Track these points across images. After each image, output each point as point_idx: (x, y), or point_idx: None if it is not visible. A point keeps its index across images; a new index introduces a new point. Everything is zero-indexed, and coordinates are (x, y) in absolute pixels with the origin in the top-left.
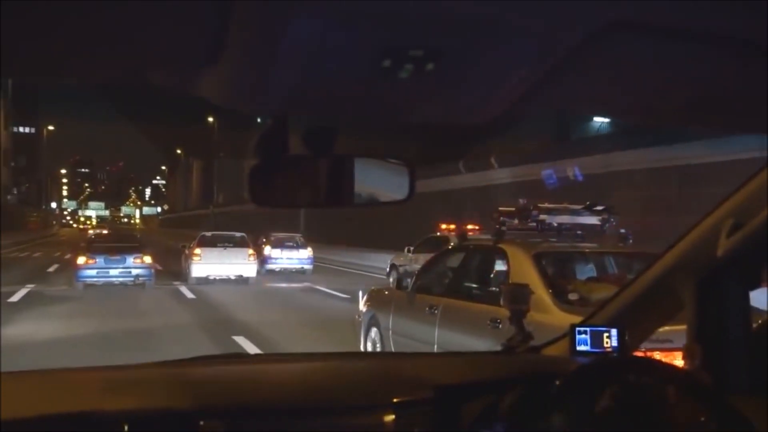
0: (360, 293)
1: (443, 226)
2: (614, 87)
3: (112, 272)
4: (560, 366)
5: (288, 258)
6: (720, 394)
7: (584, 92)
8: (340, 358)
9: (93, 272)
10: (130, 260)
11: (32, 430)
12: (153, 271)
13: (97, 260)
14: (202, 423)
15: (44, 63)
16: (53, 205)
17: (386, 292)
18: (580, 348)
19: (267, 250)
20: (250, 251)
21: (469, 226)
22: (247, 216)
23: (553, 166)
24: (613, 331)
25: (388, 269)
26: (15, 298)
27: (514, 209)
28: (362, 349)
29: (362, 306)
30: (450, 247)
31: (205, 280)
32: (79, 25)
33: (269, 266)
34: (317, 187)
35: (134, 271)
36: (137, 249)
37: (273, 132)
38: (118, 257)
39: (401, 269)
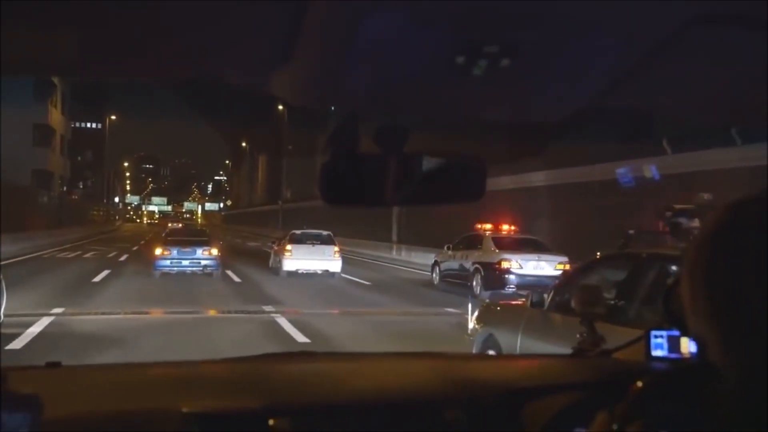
0: (469, 307)
1: (478, 225)
2: (696, 83)
3: (184, 262)
4: (633, 371)
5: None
6: None
7: (664, 89)
8: (411, 358)
9: (168, 262)
10: (200, 252)
11: (101, 428)
12: (219, 262)
13: (172, 252)
14: (271, 422)
15: (121, 63)
16: (116, 199)
17: (510, 309)
18: (656, 353)
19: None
20: (336, 248)
21: (504, 227)
22: (315, 212)
23: (628, 165)
24: None
25: (431, 266)
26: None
27: (692, 206)
28: None
29: (473, 323)
30: (599, 256)
31: (294, 274)
32: (156, 25)
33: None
34: (387, 185)
35: (203, 262)
36: (206, 243)
37: (344, 130)
38: (189, 249)
39: (442, 265)
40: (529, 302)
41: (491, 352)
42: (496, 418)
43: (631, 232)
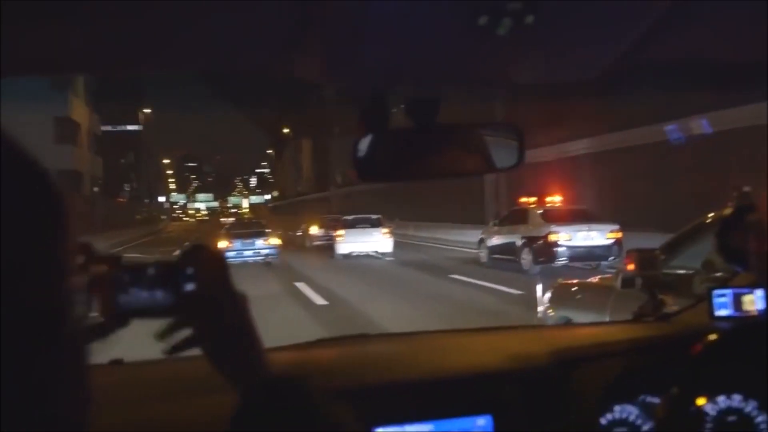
0: (538, 288)
1: (523, 199)
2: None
3: (246, 253)
4: (695, 333)
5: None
6: None
7: (692, 42)
8: (465, 334)
9: (232, 254)
10: (260, 242)
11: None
12: (278, 250)
13: (235, 244)
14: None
15: (131, 56)
16: (161, 199)
17: (592, 289)
18: (720, 313)
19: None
20: (385, 230)
21: (548, 198)
22: (371, 196)
23: (677, 123)
24: (759, 292)
25: (478, 243)
26: None
27: None
28: None
29: (544, 304)
30: (710, 218)
31: (348, 256)
32: (165, 17)
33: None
34: (422, 158)
35: (263, 251)
36: (264, 233)
37: (374, 106)
38: (250, 240)
39: (489, 242)
40: (618, 282)
41: None
42: (556, 385)
43: (747, 189)
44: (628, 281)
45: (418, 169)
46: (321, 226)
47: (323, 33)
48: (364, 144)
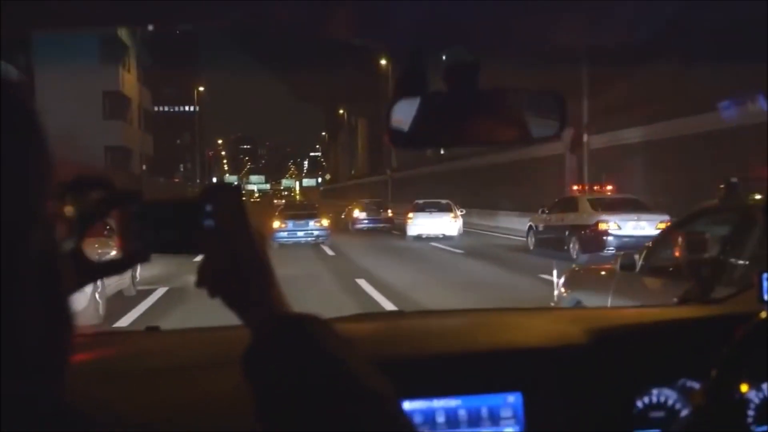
0: (554, 273)
1: (575, 187)
2: None
3: (299, 233)
4: (741, 316)
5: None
6: None
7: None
8: (498, 313)
9: (285, 234)
10: (312, 223)
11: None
12: (329, 231)
13: (288, 225)
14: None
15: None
16: (214, 180)
17: (599, 273)
18: None
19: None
20: (452, 214)
21: (596, 187)
22: (428, 180)
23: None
24: None
25: (526, 230)
26: None
27: None
28: None
29: (560, 288)
30: (701, 210)
31: (418, 238)
32: None
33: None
34: (459, 125)
35: (315, 233)
36: (316, 215)
37: (412, 69)
38: (302, 222)
39: (537, 230)
40: (618, 265)
41: None
42: (591, 365)
43: (734, 180)
44: (626, 265)
45: (453, 135)
46: (362, 209)
47: None
48: (399, 108)
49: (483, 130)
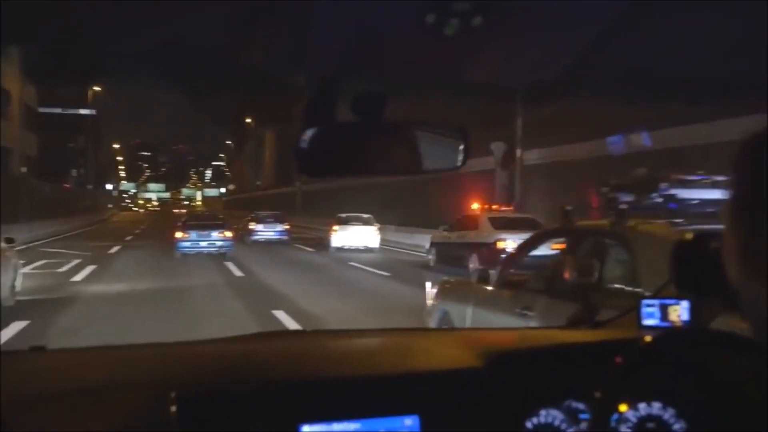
0: (428, 285)
1: (474, 206)
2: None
3: (202, 244)
4: (622, 340)
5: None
6: None
7: (663, 44)
8: (401, 334)
9: (188, 244)
10: (215, 234)
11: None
12: (232, 242)
13: (191, 235)
14: (263, 399)
15: (77, 29)
16: (109, 187)
17: (462, 286)
18: (647, 322)
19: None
20: (374, 228)
21: (494, 207)
22: (339, 192)
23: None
24: (684, 303)
25: (427, 246)
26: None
27: (628, 182)
28: None
29: (431, 300)
30: (542, 232)
31: (341, 249)
32: None
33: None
34: (365, 154)
35: (218, 243)
36: (220, 226)
37: (319, 99)
38: (205, 232)
39: (438, 246)
40: (474, 278)
41: None
42: (483, 386)
43: (569, 208)
44: (482, 278)
45: (360, 165)
46: (258, 222)
47: (270, 16)
48: (307, 138)
49: (389, 161)
